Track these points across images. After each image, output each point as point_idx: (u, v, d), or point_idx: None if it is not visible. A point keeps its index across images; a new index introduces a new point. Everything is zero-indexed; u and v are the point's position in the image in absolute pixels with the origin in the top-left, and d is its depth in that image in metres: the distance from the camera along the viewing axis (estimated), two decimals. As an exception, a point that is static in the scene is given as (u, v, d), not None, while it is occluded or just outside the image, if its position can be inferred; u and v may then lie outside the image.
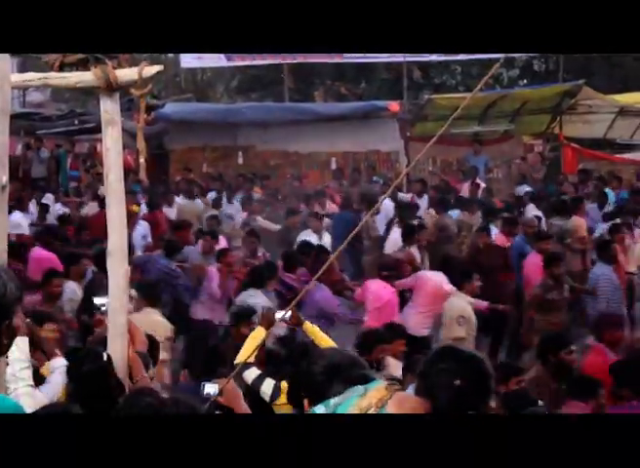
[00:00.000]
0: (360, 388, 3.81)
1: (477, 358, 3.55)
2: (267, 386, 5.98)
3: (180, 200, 16.90)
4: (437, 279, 11.00)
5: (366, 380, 4.03)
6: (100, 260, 10.79)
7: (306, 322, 6.78)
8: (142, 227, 14.57)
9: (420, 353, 11.00)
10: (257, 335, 6.42)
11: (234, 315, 8.92)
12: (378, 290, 10.68)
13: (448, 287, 10.79)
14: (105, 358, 4.69)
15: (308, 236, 13.70)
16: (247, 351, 6.22)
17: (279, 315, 6.53)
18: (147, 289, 9.65)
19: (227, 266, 11.70)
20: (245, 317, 8.55)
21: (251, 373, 6.04)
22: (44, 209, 16.42)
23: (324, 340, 6.51)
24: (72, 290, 10.39)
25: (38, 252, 11.86)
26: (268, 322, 6.55)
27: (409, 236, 12.90)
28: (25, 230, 14.83)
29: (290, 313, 6.54)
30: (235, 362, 6.25)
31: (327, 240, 13.87)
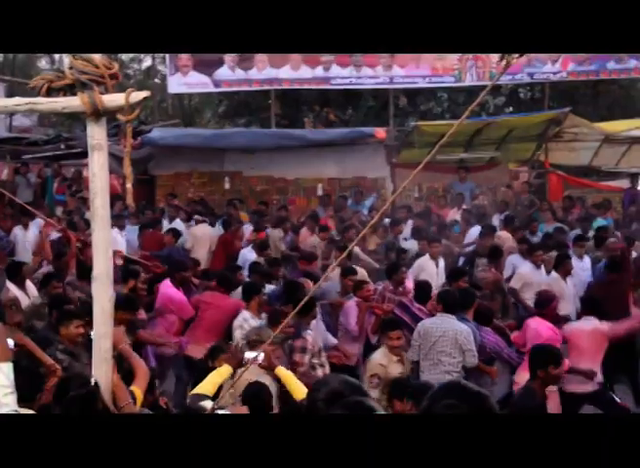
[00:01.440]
0: None
1: (482, 395, 3.49)
2: None
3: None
4: (589, 327, 10.07)
5: (362, 408, 4.02)
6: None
7: (279, 367, 6.61)
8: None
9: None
10: (223, 372, 6.33)
11: None
12: (537, 327, 10.00)
13: (604, 328, 9.99)
14: (93, 383, 4.68)
15: (426, 262, 13.59)
16: (207, 384, 6.17)
17: (249, 355, 6.42)
18: None
19: (365, 300, 11.06)
20: None
21: (204, 405, 5.94)
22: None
23: (296, 388, 6.36)
24: (242, 318, 10.19)
25: (168, 288, 11.39)
26: (237, 360, 6.45)
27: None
28: (122, 246, 14.75)
29: (262, 355, 6.45)
30: (192, 392, 6.21)
31: (442, 265, 13.78)
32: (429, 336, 9.58)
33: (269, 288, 11.61)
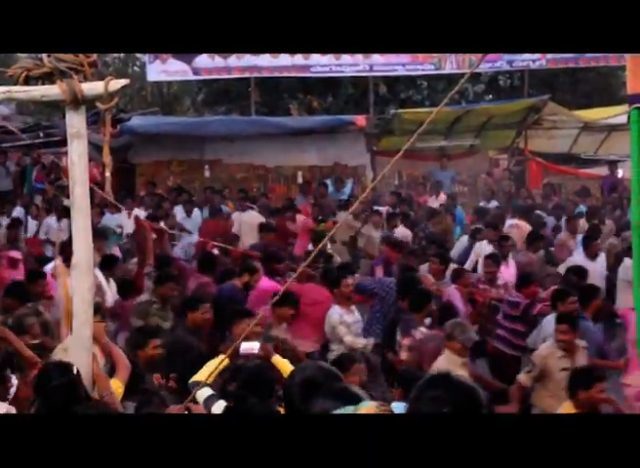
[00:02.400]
0: (350, 408, 3.81)
1: (470, 387, 3.45)
2: (218, 407, 5.88)
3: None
4: None
5: (349, 395, 4.03)
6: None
7: (276, 355, 6.56)
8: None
9: None
10: (219, 362, 6.32)
11: None
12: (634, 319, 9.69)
13: None
14: (75, 371, 4.67)
15: (484, 247, 13.43)
16: (205, 372, 6.15)
17: (245, 345, 6.40)
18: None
19: (465, 287, 10.98)
20: None
21: (203, 393, 5.93)
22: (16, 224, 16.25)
23: None
24: (338, 314, 9.98)
25: (266, 283, 10.94)
26: (234, 351, 6.40)
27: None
28: None
29: (258, 344, 6.44)
30: (190, 381, 6.21)
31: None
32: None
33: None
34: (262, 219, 16.12)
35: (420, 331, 9.23)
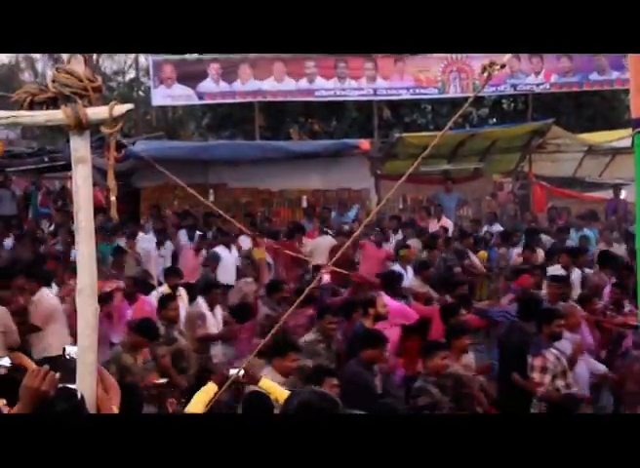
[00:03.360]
0: None
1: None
2: None
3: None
4: None
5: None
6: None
7: (263, 379, 6.59)
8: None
9: None
10: (208, 390, 6.31)
11: None
12: None
13: None
14: (79, 397, 4.65)
15: (556, 271, 13.23)
16: (195, 405, 6.14)
17: (231, 372, 6.40)
18: None
19: (593, 314, 10.74)
20: None
21: None
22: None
23: (282, 395, 6.31)
24: None
25: (395, 304, 10.86)
26: (221, 378, 6.43)
27: None
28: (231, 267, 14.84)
29: (242, 371, 6.41)
30: (184, 412, 6.18)
31: (576, 275, 13.52)
32: None
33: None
34: (336, 243, 16.09)
35: (551, 352, 8.98)
